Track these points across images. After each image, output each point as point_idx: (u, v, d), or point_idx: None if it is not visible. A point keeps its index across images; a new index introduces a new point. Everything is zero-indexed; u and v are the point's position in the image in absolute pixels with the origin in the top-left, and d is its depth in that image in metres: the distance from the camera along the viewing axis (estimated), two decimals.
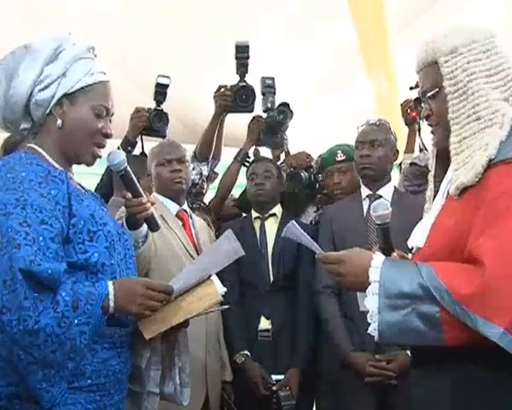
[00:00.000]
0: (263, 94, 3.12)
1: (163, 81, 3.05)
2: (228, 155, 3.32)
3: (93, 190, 1.96)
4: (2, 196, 1.41)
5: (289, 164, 3.17)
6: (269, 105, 3.11)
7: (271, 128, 3.16)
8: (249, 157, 3.19)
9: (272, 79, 3.13)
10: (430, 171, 1.64)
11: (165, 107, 3.09)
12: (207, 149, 3.15)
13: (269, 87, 3.11)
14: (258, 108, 3.16)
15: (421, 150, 3.05)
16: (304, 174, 3.07)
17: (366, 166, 2.62)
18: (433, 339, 1.29)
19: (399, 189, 2.71)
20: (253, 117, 3.18)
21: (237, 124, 3.33)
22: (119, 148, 2.88)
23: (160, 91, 3.05)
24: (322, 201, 3.12)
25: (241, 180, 3.20)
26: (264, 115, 3.15)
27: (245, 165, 3.18)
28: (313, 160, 3.22)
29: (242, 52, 3.02)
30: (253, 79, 3.11)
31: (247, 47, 3.02)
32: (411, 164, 2.78)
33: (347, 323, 2.44)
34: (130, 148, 3.04)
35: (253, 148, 3.25)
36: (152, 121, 3.02)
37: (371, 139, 2.62)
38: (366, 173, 2.64)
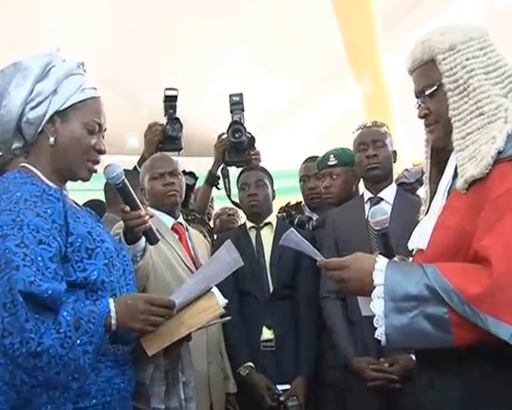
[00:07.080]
0: (231, 111, 3.05)
1: (170, 93, 3.00)
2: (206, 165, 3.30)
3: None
4: None
5: None
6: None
7: (235, 148, 3.08)
8: (218, 177, 3.16)
9: (240, 95, 3.05)
10: (424, 173, 1.62)
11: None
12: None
13: (236, 104, 3.05)
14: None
15: None
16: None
17: (374, 166, 2.52)
18: (441, 341, 1.28)
19: (401, 189, 2.62)
20: (218, 136, 3.12)
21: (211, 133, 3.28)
22: (135, 168, 2.83)
23: (170, 105, 2.99)
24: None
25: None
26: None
27: (216, 186, 3.17)
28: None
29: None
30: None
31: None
32: (399, 184, 2.65)
33: (351, 328, 2.41)
34: None
35: (222, 166, 3.17)
36: (166, 130, 2.96)
37: (374, 140, 2.55)
38: (375, 174, 2.54)
